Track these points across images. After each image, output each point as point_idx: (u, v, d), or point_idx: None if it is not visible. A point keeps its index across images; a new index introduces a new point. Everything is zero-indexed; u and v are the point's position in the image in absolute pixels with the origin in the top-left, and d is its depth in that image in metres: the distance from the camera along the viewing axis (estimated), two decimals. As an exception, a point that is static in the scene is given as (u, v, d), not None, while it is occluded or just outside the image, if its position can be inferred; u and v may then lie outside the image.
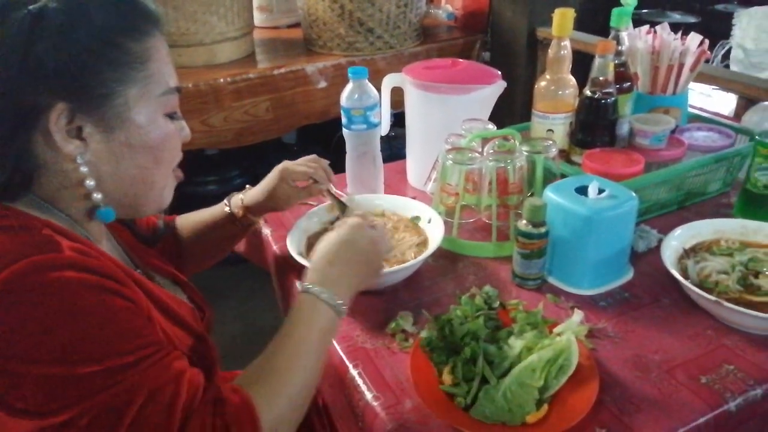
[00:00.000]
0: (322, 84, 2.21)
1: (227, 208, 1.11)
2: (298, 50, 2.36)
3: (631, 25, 1.30)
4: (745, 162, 1.23)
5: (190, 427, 0.64)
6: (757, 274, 0.96)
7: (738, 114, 1.72)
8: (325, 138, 2.72)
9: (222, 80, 2.02)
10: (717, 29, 2.76)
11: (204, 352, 0.82)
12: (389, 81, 1.36)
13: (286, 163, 1.11)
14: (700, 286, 0.94)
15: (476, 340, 0.85)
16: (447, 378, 0.83)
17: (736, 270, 0.97)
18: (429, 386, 0.82)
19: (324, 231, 1.15)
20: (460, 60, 1.40)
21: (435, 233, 1.09)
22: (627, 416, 0.78)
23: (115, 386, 0.62)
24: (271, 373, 0.74)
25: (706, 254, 1.02)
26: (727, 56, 2.91)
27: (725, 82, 1.79)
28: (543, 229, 0.98)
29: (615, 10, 1.26)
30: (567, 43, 1.24)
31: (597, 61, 1.20)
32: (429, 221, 1.14)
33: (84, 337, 0.61)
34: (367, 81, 1.23)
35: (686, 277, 0.96)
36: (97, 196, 0.72)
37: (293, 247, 1.06)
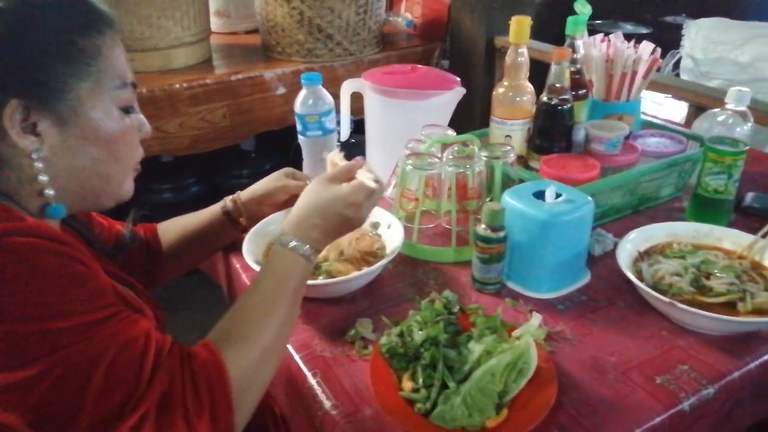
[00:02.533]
0: (281, 90, 2.19)
1: (224, 207, 1.11)
2: (256, 56, 2.33)
3: (586, 33, 1.33)
4: (696, 167, 1.26)
5: (159, 378, 0.64)
6: (708, 276, 0.98)
7: (689, 121, 1.76)
8: (283, 145, 2.69)
9: (178, 86, 1.98)
10: (667, 39, 2.84)
11: None
12: (348, 86, 1.36)
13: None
14: (655, 288, 0.96)
15: (436, 346, 0.84)
16: (407, 384, 0.82)
17: (688, 272, 0.98)
18: (389, 393, 0.81)
19: None
20: (420, 66, 1.40)
21: (395, 239, 1.09)
22: (585, 418, 0.78)
23: (87, 341, 0.62)
24: (241, 328, 0.74)
25: (660, 257, 1.04)
26: (677, 66, 3.00)
27: (677, 90, 1.84)
28: (502, 234, 0.98)
29: (570, 19, 1.28)
30: (524, 50, 1.25)
31: (553, 68, 1.22)
32: (389, 227, 1.13)
33: (52, 297, 0.62)
34: (321, 87, 1.22)
35: (641, 279, 0.98)
36: (50, 192, 0.72)
37: (250, 256, 1.03)
